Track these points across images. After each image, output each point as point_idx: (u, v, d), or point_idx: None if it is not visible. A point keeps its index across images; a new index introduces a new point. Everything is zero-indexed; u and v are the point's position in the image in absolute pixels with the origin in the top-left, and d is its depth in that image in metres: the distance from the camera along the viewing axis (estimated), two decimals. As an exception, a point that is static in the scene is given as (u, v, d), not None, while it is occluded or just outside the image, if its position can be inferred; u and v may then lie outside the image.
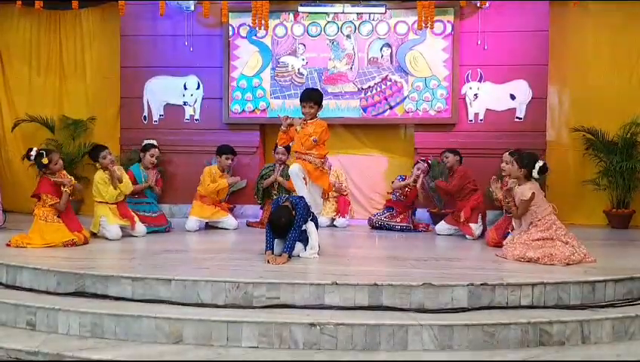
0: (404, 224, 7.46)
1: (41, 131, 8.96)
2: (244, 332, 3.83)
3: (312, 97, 5.75)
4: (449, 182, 7.12)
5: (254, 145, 8.79)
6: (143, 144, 7.26)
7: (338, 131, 8.64)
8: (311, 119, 5.72)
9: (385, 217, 7.58)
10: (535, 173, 5.51)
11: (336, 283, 4.17)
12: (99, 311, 4.01)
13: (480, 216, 6.80)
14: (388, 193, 7.95)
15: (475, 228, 6.69)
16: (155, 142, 7.40)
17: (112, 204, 6.37)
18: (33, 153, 5.88)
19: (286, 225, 5.03)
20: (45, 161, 5.79)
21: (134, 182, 6.79)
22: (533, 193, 5.47)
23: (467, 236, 6.71)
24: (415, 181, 7.42)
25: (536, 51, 8.34)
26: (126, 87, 8.89)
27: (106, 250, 5.69)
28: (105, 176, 6.37)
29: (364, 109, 8.64)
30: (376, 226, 7.53)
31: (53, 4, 8.67)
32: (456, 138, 8.42)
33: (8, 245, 5.60)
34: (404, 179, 7.56)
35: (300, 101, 5.78)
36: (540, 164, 5.51)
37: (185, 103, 8.86)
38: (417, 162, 7.68)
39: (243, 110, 8.75)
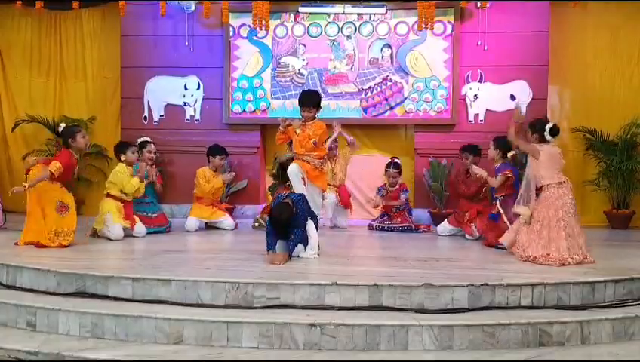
0: (405, 224, 7.46)
1: (41, 131, 8.96)
2: (245, 333, 3.83)
3: (311, 102, 5.75)
4: (467, 185, 7.00)
5: (255, 146, 8.79)
6: (138, 142, 7.21)
7: (338, 131, 8.62)
8: (310, 121, 5.74)
9: (383, 221, 7.59)
10: (547, 135, 5.47)
11: (337, 284, 4.18)
12: (99, 311, 4.01)
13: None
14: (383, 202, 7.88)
15: (476, 229, 6.70)
16: (148, 138, 7.41)
17: (121, 201, 6.40)
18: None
19: (287, 220, 5.03)
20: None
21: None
22: (540, 152, 5.42)
23: (467, 236, 6.72)
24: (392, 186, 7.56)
25: (536, 52, 8.33)
26: (126, 88, 8.89)
27: (106, 250, 5.69)
28: (127, 170, 6.47)
29: (365, 110, 8.64)
30: (377, 230, 7.53)
31: (54, 4, 8.68)
32: (456, 138, 8.41)
33: (17, 244, 5.67)
34: (383, 190, 7.64)
35: (300, 105, 5.79)
36: (549, 125, 5.50)
37: (185, 104, 8.85)
38: (387, 169, 7.65)
39: (243, 110, 8.75)
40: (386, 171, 7.67)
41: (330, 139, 7.19)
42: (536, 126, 5.60)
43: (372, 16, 8.59)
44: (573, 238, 5.26)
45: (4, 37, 9.26)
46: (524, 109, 5.85)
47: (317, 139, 5.67)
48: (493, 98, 8.44)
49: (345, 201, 7.82)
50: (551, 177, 5.41)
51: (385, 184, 7.70)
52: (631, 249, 6.32)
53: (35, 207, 5.68)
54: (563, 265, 5.05)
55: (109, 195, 6.45)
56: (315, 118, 5.78)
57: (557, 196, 5.35)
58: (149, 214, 6.96)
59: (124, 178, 6.42)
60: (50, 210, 5.67)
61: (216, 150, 7.44)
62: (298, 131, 5.72)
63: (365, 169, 8.68)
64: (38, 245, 5.59)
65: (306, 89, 7.71)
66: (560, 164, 5.55)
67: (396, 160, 7.75)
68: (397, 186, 7.60)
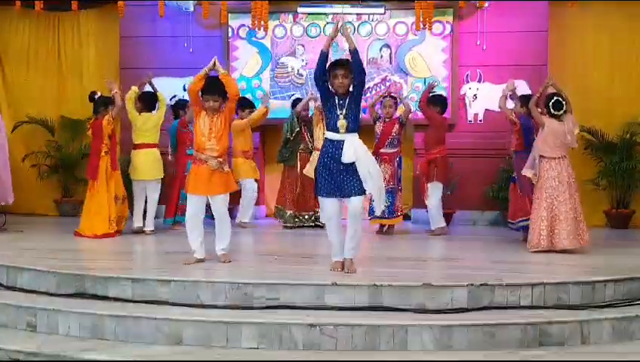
0: (392, 185, 7.22)
1: (40, 132, 8.95)
2: (244, 333, 3.83)
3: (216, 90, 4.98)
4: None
5: (254, 146, 8.76)
6: (176, 102, 7.56)
7: (338, 132, 8.60)
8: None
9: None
10: (551, 110, 5.72)
11: (336, 284, 4.18)
12: (99, 312, 4.02)
13: (436, 175, 6.88)
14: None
15: (432, 197, 6.80)
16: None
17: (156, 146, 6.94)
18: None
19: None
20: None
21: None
22: (545, 124, 5.66)
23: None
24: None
25: (535, 51, 8.33)
26: (125, 89, 8.83)
27: (105, 250, 5.70)
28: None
29: (364, 110, 8.62)
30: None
31: (53, 4, 8.67)
32: (455, 138, 8.39)
33: (87, 235, 6.18)
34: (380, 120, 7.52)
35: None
36: (552, 101, 5.75)
37: (184, 104, 8.84)
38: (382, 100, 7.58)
39: (242, 111, 8.73)
40: (381, 102, 7.53)
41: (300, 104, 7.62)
42: (546, 100, 5.86)
43: (371, 16, 8.59)
44: (555, 223, 5.45)
45: (2, 38, 9.25)
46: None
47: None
48: (492, 98, 8.42)
49: None
50: (545, 150, 5.61)
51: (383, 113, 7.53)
52: (631, 248, 6.33)
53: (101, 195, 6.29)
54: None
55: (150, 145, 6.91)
56: (220, 109, 5.21)
57: (545, 170, 5.55)
58: None
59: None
60: (111, 198, 6.34)
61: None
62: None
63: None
64: (99, 235, 6.14)
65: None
66: (563, 141, 5.67)
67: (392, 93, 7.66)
68: (392, 119, 7.43)
